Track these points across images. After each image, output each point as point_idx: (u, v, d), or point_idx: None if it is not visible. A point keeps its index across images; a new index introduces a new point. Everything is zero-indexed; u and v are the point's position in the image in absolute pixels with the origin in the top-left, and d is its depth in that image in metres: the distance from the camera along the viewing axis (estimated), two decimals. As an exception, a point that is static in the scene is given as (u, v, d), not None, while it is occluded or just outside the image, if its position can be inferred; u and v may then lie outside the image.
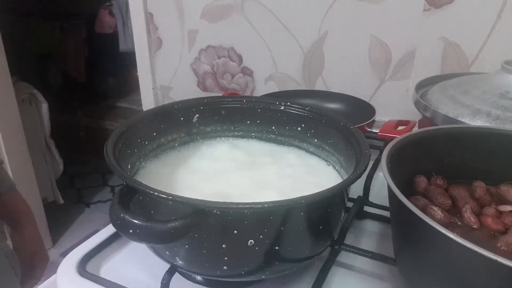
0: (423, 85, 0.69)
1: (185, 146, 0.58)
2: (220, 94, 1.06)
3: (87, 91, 2.48)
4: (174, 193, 0.36)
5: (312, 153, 0.57)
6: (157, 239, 0.35)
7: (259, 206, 0.35)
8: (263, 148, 0.59)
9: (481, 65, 0.78)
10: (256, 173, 0.53)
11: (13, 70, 1.50)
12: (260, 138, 0.60)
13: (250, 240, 0.37)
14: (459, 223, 0.40)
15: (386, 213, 0.56)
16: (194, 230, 0.35)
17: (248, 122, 0.60)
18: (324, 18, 0.89)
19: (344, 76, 0.92)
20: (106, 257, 0.52)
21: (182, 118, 0.57)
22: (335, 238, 0.48)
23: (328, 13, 0.88)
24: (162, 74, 1.17)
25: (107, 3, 2.08)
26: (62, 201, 1.90)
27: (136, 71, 1.19)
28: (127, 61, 1.99)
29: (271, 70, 1.00)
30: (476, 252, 0.29)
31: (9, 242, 0.69)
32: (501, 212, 0.41)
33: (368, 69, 0.88)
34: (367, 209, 0.59)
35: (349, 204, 0.56)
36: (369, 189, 0.59)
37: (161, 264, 0.44)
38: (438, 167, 0.48)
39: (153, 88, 1.19)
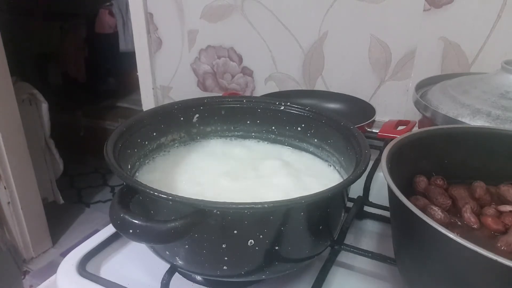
0: (423, 85, 0.69)
1: (185, 146, 0.58)
2: (220, 94, 1.06)
3: (87, 91, 2.48)
4: (174, 193, 0.36)
5: (312, 153, 0.57)
6: (157, 239, 0.35)
7: (259, 206, 0.35)
8: (263, 148, 0.59)
9: (481, 65, 0.78)
10: (256, 173, 0.53)
11: (13, 70, 1.50)
12: (260, 138, 0.60)
13: (250, 240, 0.37)
14: (459, 223, 0.40)
15: (386, 213, 0.56)
16: (194, 230, 0.35)
17: (248, 122, 0.60)
18: (324, 18, 0.89)
19: (344, 76, 0.92)
20: (106, 257, 0.52)
21: (182, 118, 0.57)
22: (335, 238, 0.48)
23: (328, 13, 0.88)
24: (162, 74, 1.17)
25: (107, 3, 2.08)
26: (62, 201, 1.90)
27: (136, 71, 1.19)
28: (127, 61, 1.99)
29: (271, 70, 1.00)
30: (476, 252, 0.29)
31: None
32: (501, 212, 0.41)
33: (368, 69, 0.88)
34: (367, 209, 0.59)
35: (349, 204, 0.56)
36: (369, 189, 0.59)
37: (161, 264, 0.44)
38: (438, 167, 0.48)
39: (153, 88, 1.19)
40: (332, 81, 0.94)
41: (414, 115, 0.74)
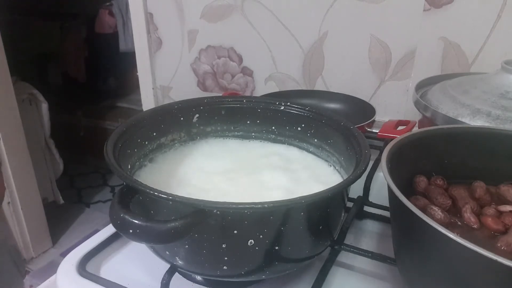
0: (423, 85, 0.69)
1: (185, 146, 0.58)
2: (220, 94, 1.06)
3: (87, 91, 2.48)
4: (174, 193, 0.36)
5: (312, 153, 0.57)
6: (157, 239, 0.35)
7: (259, 206, 0.35)
8: (263, 148, 0.59)
9: (481, 65, 0.78)
10: (256, 173, 0.53)
11: (13, 70, 1.50)
12: (260, 138, 0.60)
13: (250, 240, 0.37)
14: (459, 223, 0.40)
15: (386, 213, 0.56)
16: (194, 230, 0.35)
17: (248, 122, 0.60)
18: (324, 18, 0.89)
19: (344, 76, 0.92)
20: (106, 257, 0.52)
21: (182, 118, 0.57)
22: (335, 238, 0.48)
23: (328, 13, 0.88)
24: (162, 74, 1.17)
25: (107, 3, 2.08)
26: (62, 201, 1.90)
27: (136, 71, 1.19)
28: (127, 61, 1.99)
29: (271, 70, 1.00)
30: (476, 252, 0.29)
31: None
32: (501, 212, 0.41)
33: (368, 69, 0.88)
34: (367, 209, 0.59)
35: (349, 204, 0.56)
36: (369, 189, 0.59)
37: (161, 264, 0.44)
38: (438, 167, 0.48)
39: (153, 88, 1.19)
40: (332, 81, 0.94)
41: (414, 115, 0.74)
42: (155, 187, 0.37)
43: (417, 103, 0.63)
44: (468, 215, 0.40)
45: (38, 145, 1.75)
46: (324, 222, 0.42)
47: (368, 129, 0.74)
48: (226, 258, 0.38)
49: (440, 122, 0.58)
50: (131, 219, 0.34)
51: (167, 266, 0.44)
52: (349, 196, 0.50)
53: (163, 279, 0.43)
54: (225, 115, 0.59)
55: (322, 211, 0.41)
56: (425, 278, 0.37)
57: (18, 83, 1.62)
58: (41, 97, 1.72)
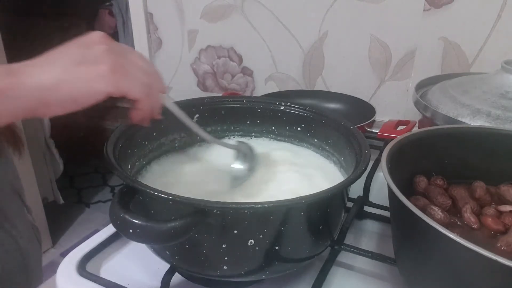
0: (423, 85, 0.69)
1: (185, 146, 0.58)
2: (220, 94, 1.06)
3: (87, 91, 2.48)
4: (174, 193, 0.36)
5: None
6: (157, 239, 0.35)
7: (259, 206, 0.35)
8: (263, 148, 0.59)
9: (481, 65, 0.78)
10: (256, 173, 0.53)
11: (13, 70, 1.49)
12: (260, 138, 0.60)
13: (250, 240, 0.37)
14: (459, 223, 0.41)
15: (386, 213, 0.56)
16: (194, 230, 0.35)
17: (248, 122, 0.60)
18: (324, 18, 0.89)
19: (344, 76, 0.92)
20: (106, 257, 0.52)
21: (182, 118, 0.57)
22: (335, 238, 0.48)
23: (328, 13, 0.88)
24: (162, 74, 1.16)
25: (107, 3, 2.08)
26: (62, 201, 1.90)
27: (136, 71, 1.19)
28: (127, 61, 1.99)
29: (271, 70, 1.00)
30: (476, 252, 0.29)
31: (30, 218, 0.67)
32: (501, 212, 0.41)
33: (368, 69, 0.88)
34: (367, 209, 0.59)
35: (349, 204, 0.56)
36: (369, 189, 0.59)
37: (161, 264, 0.44)
38: (438, 167, 0.48)
39: (153, 88, 1.18)
40: (332, 81, 0.94)
41: (414, 115, 0.74)
42: (155, 187, 0.37)
43: (417, 103, 0.63)
44: (468, 215, 0.40)
45: (38, 145, 1.75)
46: (324, 222, 0.42)
47: (368, 129, 0.74)
48: (226, 258, 0.39)
49: (440, 122, 0.58)
50: (131, 219, 0.34)
51: (167, 266, 0.44)
52: (349, 196, 0.50)
53: (163, 279, 0.43)
54: (225, 115, 0.59)
55: (322, 211, 0.41)
56: (425, 278, 0.37)
57: (18, 83, 1.61)
58: (41, 97, 1.72)
